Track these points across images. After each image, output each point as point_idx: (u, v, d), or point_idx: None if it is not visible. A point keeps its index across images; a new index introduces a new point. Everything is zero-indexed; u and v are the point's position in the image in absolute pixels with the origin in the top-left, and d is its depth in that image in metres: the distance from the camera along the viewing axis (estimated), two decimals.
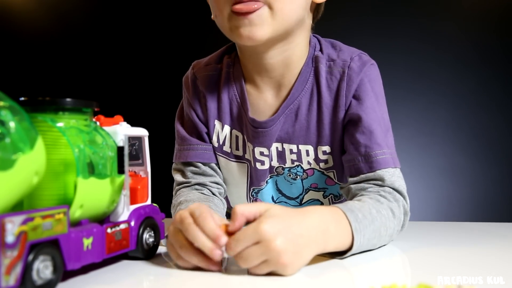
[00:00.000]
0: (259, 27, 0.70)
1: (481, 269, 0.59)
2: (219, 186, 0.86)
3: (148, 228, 0.61)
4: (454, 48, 1.99)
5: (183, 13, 2.19)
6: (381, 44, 1.96)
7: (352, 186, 0.75)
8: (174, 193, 0.86)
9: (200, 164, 0.85)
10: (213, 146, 0.85)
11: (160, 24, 2.22)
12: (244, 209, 0.54)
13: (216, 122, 0.84)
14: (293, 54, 0.78)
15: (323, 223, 0.57)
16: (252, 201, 0.89)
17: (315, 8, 0.80)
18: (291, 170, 0.83)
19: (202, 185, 0.84)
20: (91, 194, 0.53)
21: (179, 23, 2.15)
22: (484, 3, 2.03)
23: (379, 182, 0.72)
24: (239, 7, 0.69)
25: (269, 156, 0.82)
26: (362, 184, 0.73)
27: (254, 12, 0.69)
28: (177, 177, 0.86)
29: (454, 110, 2.00)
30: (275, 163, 0.83)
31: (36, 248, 0.44)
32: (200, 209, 0.56)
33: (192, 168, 0.85)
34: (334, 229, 0.58)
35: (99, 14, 2.32)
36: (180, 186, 0.85)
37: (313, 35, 0.83)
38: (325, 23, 0.86)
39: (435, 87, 2.00)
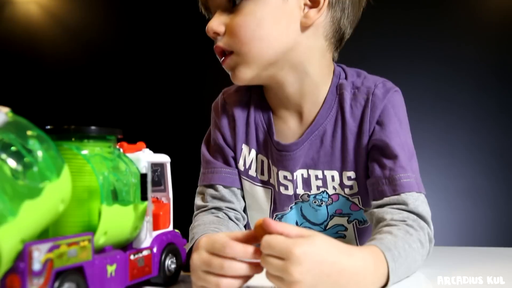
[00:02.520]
0: (236, 71, 0.77)
1: None
2: (237, 212, 0.85)
3: (170, 254, 0.61)
4: (474, 70, 1.99)
5: (205, 42, 2.22)
6: (400, 66, 1.96)
7: (375, 210, 0.74)
8: (193, 217, 0.86)
9: (220, 188, 0.85)
10: (239, 170, 0.86)
11: (181, 53, 2.26)
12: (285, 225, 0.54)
13: (244, 146, 0.86)
14: (308, 84, 0.80)
15: (362, 272, 0.54)
16: None
17: (333, 35, 0.80)
18: (317, 197, 0.83)
19: (218, 209, 0.84)
20: (115, 221, 0.53)
21: (202, 53, 2.19)
22: (504, 24, 2.02)
23: (403, 207, 0.71)
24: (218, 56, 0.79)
25: (293, 182, 0.82)
26: (385, 208, 0.72)
27: (225, 61, 0.78)
28: (198, 201, 0.87)
29: (474, 132, 1.98)
30: (300, 190, 0.83)
31: (62, 275, 0.45)
32: (218, 241, 0.55)
33: (212, 191, 0.85)
34: (371, 278, 0.55)
35: (121, 42, 2.37)
36: (199, 211, 0.85)
37: (338, 65, 0.85)
38: (343, 47, 0.86)
39: (455, 109, 1.99)
